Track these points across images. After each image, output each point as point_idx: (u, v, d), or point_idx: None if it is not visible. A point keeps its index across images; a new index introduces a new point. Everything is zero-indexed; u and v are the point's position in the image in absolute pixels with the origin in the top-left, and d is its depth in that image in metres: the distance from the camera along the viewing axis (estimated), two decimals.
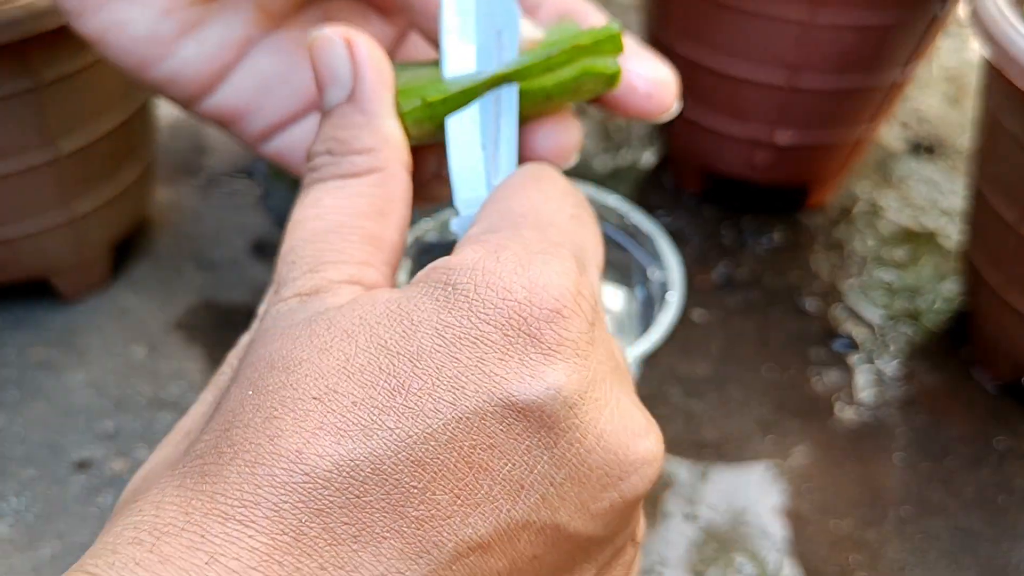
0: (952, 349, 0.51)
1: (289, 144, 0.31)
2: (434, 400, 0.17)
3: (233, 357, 0.21)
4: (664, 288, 0.36)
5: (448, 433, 0.17)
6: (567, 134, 0.27)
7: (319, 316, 0.19)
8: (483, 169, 0.23)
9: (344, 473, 0.16)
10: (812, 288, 0.54)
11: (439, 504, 0.17)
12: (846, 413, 0.47)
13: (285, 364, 0.18)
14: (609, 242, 0.39)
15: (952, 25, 0.80)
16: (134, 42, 0.28)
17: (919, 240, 0.58)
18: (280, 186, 0.57)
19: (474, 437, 0.17)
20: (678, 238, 0.56)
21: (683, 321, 0.50)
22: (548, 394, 0.17)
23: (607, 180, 0.60)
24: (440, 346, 0.17)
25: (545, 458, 0.18)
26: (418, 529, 0.16)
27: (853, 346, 0.50)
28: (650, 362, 0.48)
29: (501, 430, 0.17)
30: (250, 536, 0.16)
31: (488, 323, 0.18)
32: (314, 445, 0.16)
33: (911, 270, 0.56)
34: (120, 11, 0.27)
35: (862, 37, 0.47)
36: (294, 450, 0.16)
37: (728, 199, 0.59)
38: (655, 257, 0.37)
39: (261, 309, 0.21)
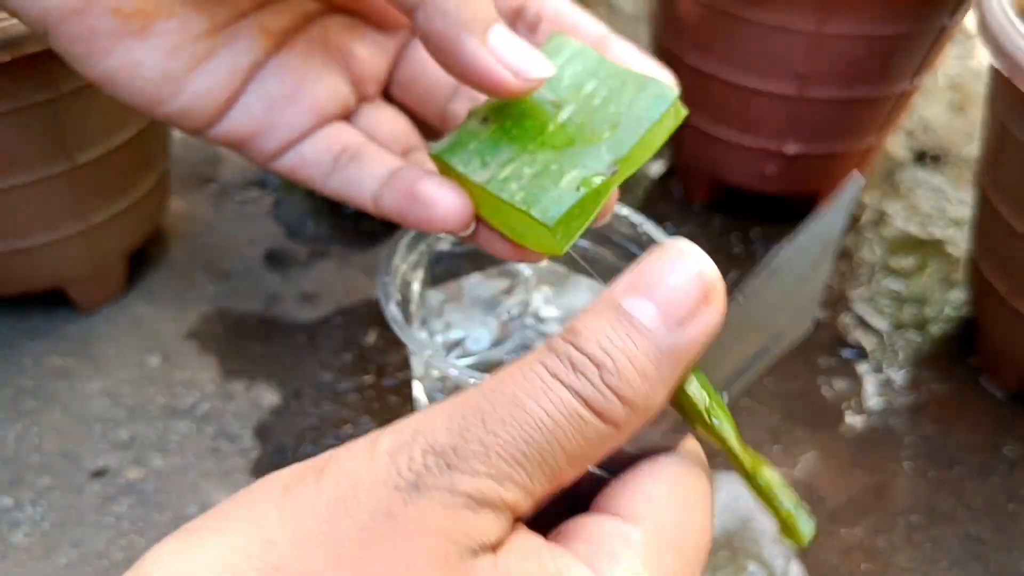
0: (960, 357, 0.51)
1: (300, 160, 0.31)
2: None
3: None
4: None
5: None
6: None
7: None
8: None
9: None
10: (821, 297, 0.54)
11: None
12: (855, 421, 0.47)
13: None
14: (622, 252, 0.39)
15: (957, 33, 0.81)
16: (145, 83, 0.28)
17: (926, 249, 0.58)
18: (293, 196, 0.58)
19: None
20: None
21: None
22: None
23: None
24: None
25: None
26: None
27: (862, 354, 0.51)
28: None
29: None
30: None
31: None
32: None
33: (919, 279, 0.56)
34: (129, 54, 0.28)
35: (871, 47, 0.48)
36: None
37: (737, 209, 0.59)
38: None
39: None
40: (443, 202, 0.28)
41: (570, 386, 0.18)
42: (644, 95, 0.28)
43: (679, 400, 0.20)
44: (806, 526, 0.21)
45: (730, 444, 0.20)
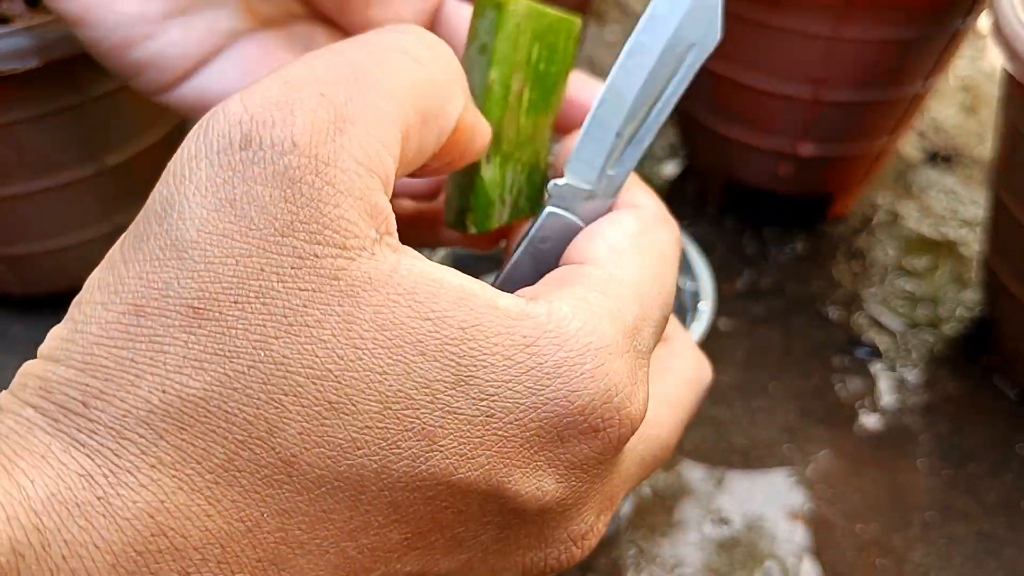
0: (973, 357, 0.51)
1: None
2: (443, 459, 0.17)
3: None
4: (695, 298, 0.37)
5: (434, 491, 0.17)
6: None
7: (354, 286, 0.17)
8: (607, 153, 0.24)
9: (326, 488, 0.16)
10: (834, 297, 0.55)
11: (388, 539, 0.17)
12: (869, 420, 0.48)
13: (306, 330, 0.17)
14: None
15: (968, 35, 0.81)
16: (119, 19, 0.27)
17: (939, 249, 0.59)
18: None
19: (452, 500, 0.17)
20: (702, 248, 0.57)
21: (709, 330, 0.51)
22: (532, 494, 0.18)
23: None
24: (480, 412, 0.17)
25: (491, 533, 0.18)
26: (360, 553, 0.17)
27: (875, 354, 0.51)
28: None
29: (477, 504, 0.18)
30: (207, 517, 0.16)
31: (537, 411, 0.18)
32: (310, 454, 0.16)
33: (932, 279, 0.56)
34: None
35: (885, 51, 0.48)
36: (289, 452, 0.16)
37: (751, 209, 0.60)
38: (686, 268, 0.38)
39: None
40: None
41: (401, 43, 0.20)
42: (564, 38, 0.28)
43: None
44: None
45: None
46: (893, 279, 0.56)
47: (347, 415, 0.16)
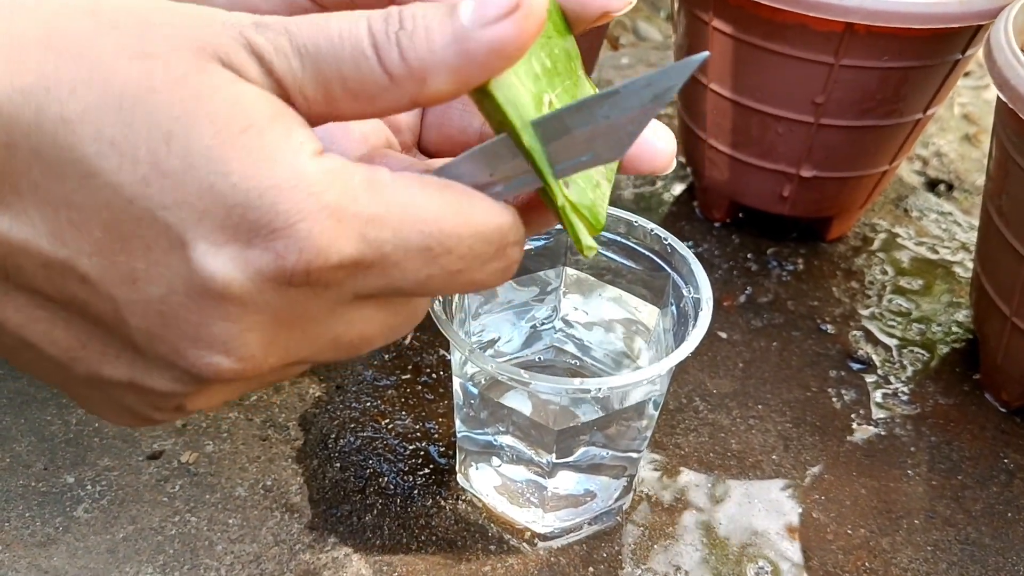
0: (965, 374, 0.53)
1: None
2: (148, 171, 0.20)
3: None
4: (696, 306, 0.39)
5: (129, 211, 0.20)
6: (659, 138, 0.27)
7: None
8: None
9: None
10: (832, 313, 0.57)
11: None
12: (862, 430, 0.50)
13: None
14: (650, 263, 0.42)
15: (971, 66, 0.84)
16: None
17: (935, 271, 0.61)
18: None
19: (135, 227, 0.20)
20: (706, 264, 0.59)
21: (710, 340, 0.54)
22: (206, 272, 0.20)
23: (640, 208, 0.64)
24: (204, 152, 0.20)
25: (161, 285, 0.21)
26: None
27: (870, 367, 0.53)
28: (680, 378, 0.51)
29: (152, 236, 0.20)
30: None
31: (226, 194, 0.20)
32: None
33: (927, 299, 0.59)
34: None
35: (885, 78, 0.51)
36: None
37: (753, 228, 0.62)
38: (688, 278, 0.41)
39: None
40: None
41: (370, 26, 0.21)
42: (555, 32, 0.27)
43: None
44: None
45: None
46: (889, 298, 0.58)
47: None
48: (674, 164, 0.28)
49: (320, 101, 0.21)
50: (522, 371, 0.35)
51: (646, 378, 0.36)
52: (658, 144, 0.28)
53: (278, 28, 0.21)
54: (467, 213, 0.22)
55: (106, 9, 0.21)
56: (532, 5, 0.21)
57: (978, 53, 0.53)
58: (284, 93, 0.21)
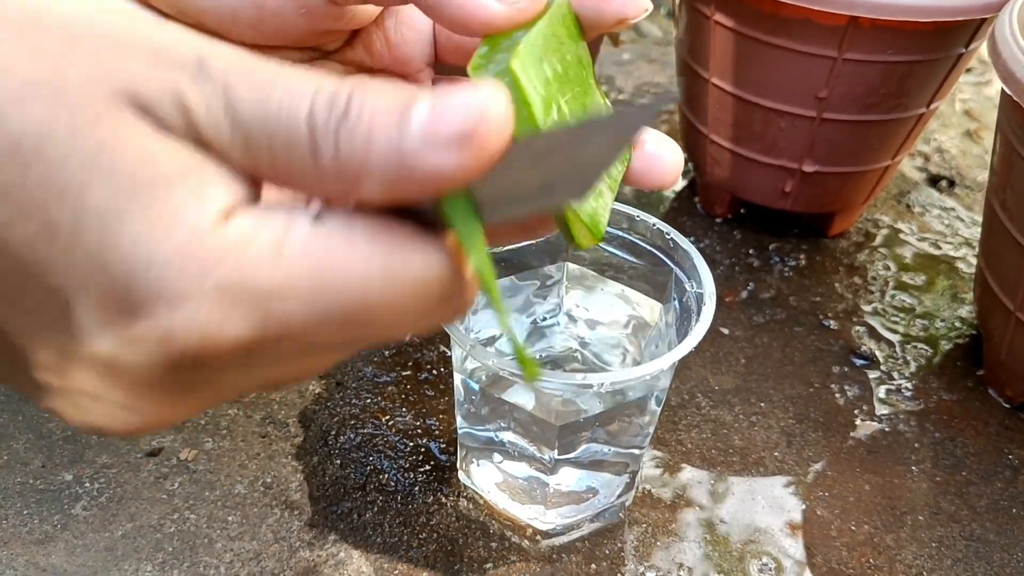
0: (968, 369, 0.53)
1: None
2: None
3: None
4: (699, 300, 0.39)
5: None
6: (665, 151, 0.27)
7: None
8: None
9: None
10: (835, 309, 0.56)
11: None
12: (866, 426, 0.50)
13: None
14: (652, 258, 0.42)
15: (972, 62, 0.83)
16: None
17: (938, 267, 0.61)
18: None
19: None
20: (708, 260, 0.59)
21: (713, 336, 0.53)
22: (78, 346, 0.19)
23: (641, 204, 0.64)
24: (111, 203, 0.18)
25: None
26: None
27: (873, 363, 0.53)
28: (682, 374, 0.51)
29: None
30: None
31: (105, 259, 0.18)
32: None
33: (930, 294, 0.58)
34: None
35: (888, 74, 0.51)
36: None
37: (756, 224, 0.62)
38: (691, 273, 0.40)
39: None
40: None
41: (313, 107, 0.19)
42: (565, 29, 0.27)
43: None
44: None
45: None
46: (892, 293, 0.58)
47: None
48: (680, 178, 0.27)
49: (245, 168, 0.19)
50: None
51: (649, 373, 0.36)
52: (665, 157, 0.27)
53: (218, 80, 0.19)
54: (398, 271, 0.19)
55: (41, 25, 0.19)
56: (490, 136, 0.18)
57: (981, 47, 0.53)
58: (207, 150, 0.19)
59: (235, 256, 0.18)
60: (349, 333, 0.19)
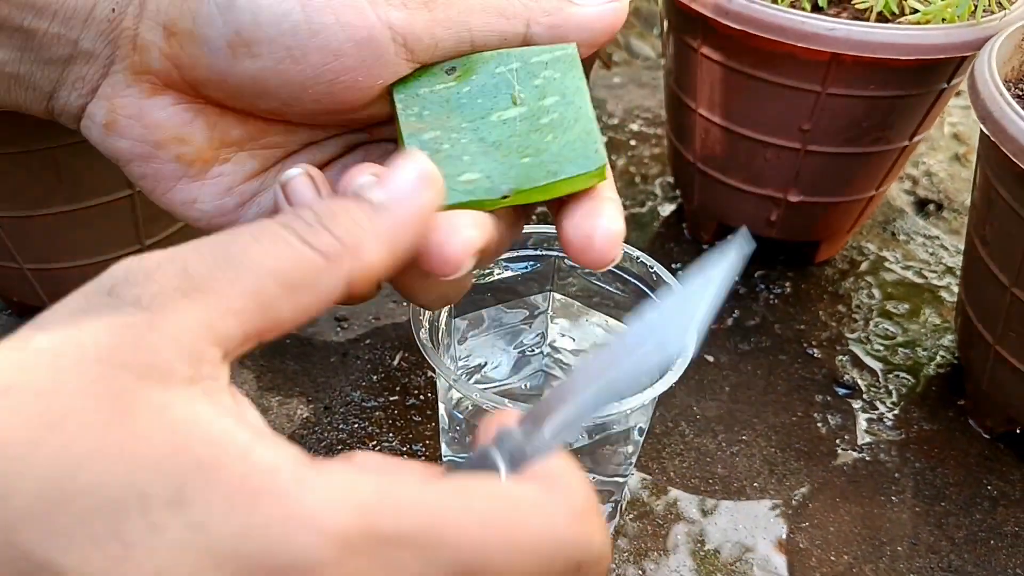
0: (950, 399, 0.54)
1: None
2: None
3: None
4: None
5: None
6: (603, 217, 0.29)
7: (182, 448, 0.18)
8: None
9: None
10: (819, 337, 0.57)
11: None
12: (848, 455, 0.50)
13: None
14: (636, 289, 0.43)
15: (962, 86, 0.84)
16: (201, 214, 0.31)
17: (922, 295, 0.61)
18: None
19: None
20: None
21: (697, 363, 0.54)
22: None
23: (628, 229, 0.64)
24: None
25: None
26: None
27: (856, 392, 0.54)
28: (666, 402, 0.52)
29: None
30: None
31: (232, 551, 0.18)
32: None
33: (913, 323, 0.59)
34: (188, 192, 0.31)
35: (872, 107, 0.51)
36: None
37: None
38: None
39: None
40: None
41: (286, 223, 0.22)
42: (580, 146, 0.29)
43: None
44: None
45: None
46: (876, 322, 0.59)
47: (64, 509, 0.17)
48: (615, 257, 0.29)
49: (254, 314, 0.21)
50: (506, 400, 0.36)
51: (630, 407, 0.37)
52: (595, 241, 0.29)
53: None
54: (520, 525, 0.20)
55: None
56: (435, 180, 0.24)
57: (963, 82, 0.54)
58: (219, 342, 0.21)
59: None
60: None
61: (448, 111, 0.29)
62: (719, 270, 0.24)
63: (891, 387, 0.54)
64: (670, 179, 0.69)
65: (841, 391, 0.54)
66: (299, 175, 0.28)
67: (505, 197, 0.28)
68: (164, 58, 0.29)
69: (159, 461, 0.18)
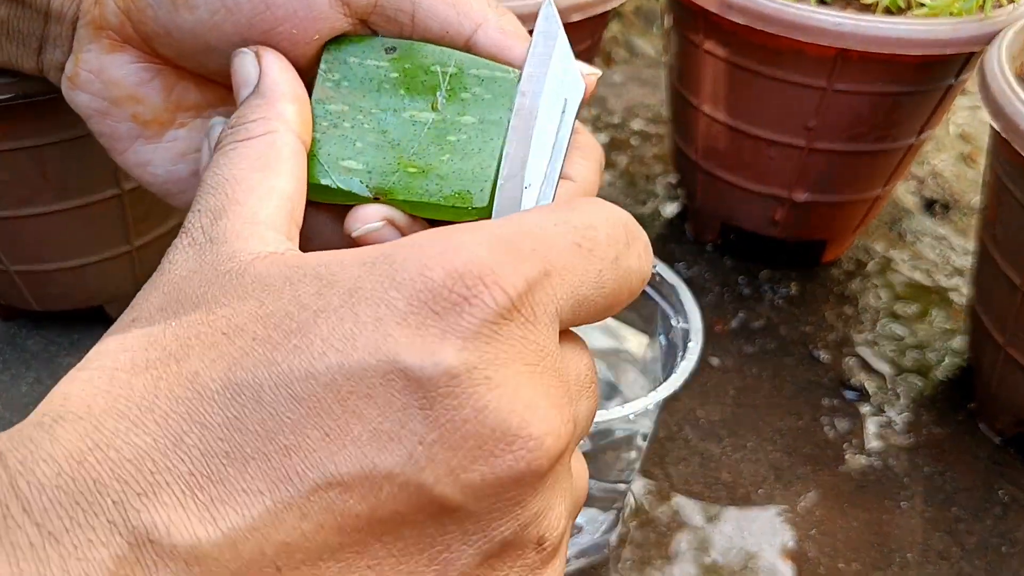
0: (959, 402, 0.53)
1: None
2: (324, 344, 0.19)
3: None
4: (686, 336, 0.39)
5: (329, 376, 0.19)
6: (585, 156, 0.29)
7: (245, 269, 0.21)
8: (519, 203, 0.26)
9: (228, 394, 0.19)
10: (825, 339, 0.56)
11: (308, 438, 0.18)
12: (856, 460, 0.49)
13: (208, 306, 0.20)
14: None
15: (968, 84, 0.83)
16: (154, 178, 0.31)
17: (930, 297, 0.60)
18: None
19: (353, 384, 0.19)
20: (697, 287, 0.58)
21: (701, 367, 0.53)
22: (431, 363, 0.19)
23: None
24: (346, 303, 0.19)
25: (418, 417, 0.19)
26: (285, 457, 0.18)
27: (864, 396, 0.52)
28: (670, 406, 0.51)
29: (380, 384, 0.19)
30: (136, 434, 0.18)
31: (397, 290, 0.19)
32: (210, 369, 0.19)
33: (922, 325, 0.58)
34: (142, 154, 0.31)
35: (878, 103, 0.50)
36: (192, 371, 0.19)
37: (746, 251, 0.62)
38: (678, 307, 0.40)
39: (173, 254, 0.24)
40: None
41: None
42: (469, 178, 0.27)
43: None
44: None
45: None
46: (884, 324, 0.58)
47: (235, 336, 0.20)
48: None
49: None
50: None
51: (633, 412, 0.36)
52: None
53: None
54: (580, 209, 0.23)
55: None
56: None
57: (970, 79, 0.53)
58: None
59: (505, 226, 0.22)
60: (591, 266, 0.22)
61: (365, 91, 0.28)
62: (545, 21, 0.27)
63: (899, 390, 0.53)
64: (672, 178, 0.67)
65: (848, 394, 0.52)
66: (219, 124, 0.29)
67: (376, 199, 0.27)
68: (119, 11, 0.29)
69: (290, 272, 0.21)
